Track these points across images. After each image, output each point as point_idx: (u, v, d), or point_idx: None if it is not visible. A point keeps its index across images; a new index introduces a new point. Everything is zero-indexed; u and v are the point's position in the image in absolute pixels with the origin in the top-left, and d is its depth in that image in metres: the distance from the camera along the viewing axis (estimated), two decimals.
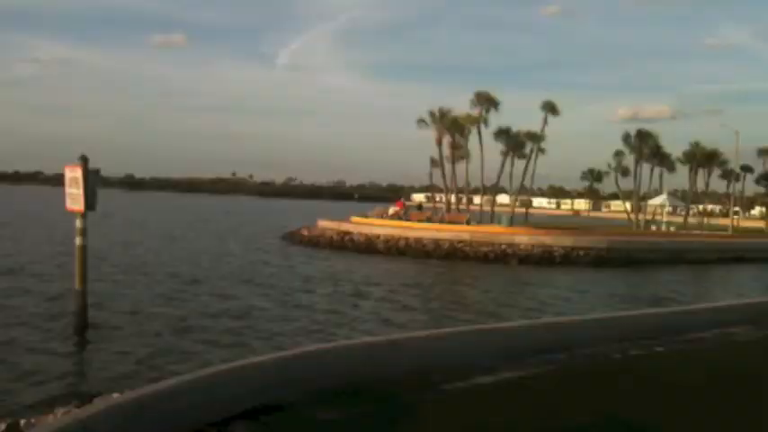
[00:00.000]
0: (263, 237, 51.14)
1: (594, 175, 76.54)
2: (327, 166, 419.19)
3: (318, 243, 44.68)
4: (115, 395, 6.15)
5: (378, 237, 43.14)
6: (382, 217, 50.34)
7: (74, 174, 15.63)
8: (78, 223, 15.84)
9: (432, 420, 5.48)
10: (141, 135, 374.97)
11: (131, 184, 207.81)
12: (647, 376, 7.17)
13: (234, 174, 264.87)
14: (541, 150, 58.61)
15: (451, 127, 52.99)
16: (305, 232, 48.40)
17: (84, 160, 15.42)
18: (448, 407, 5.86)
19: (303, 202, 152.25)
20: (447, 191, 56.18)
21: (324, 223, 49.46)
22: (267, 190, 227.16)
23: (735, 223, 71.10)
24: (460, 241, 41.19)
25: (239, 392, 5.73)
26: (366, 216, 50.96)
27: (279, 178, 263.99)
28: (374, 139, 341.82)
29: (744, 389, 6.83)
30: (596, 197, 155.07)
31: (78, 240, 15.88)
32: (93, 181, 15.56)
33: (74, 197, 15.71)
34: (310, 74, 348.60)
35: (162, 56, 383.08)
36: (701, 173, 71.30)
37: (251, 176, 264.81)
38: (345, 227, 46.76)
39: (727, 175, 75.06)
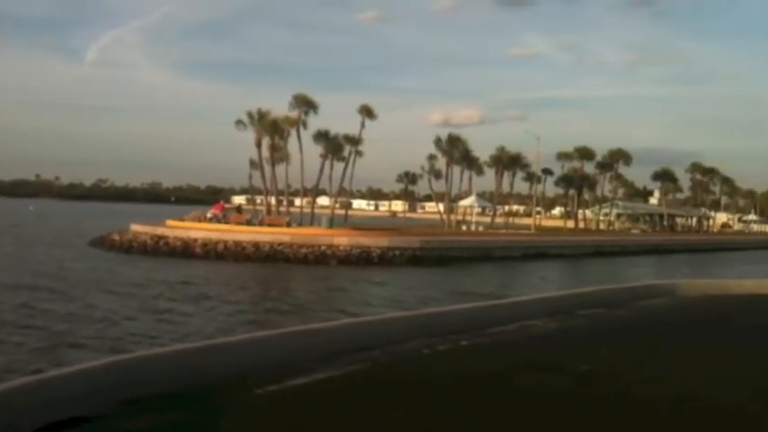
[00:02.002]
0: (70, 242, 48.00)
1: (409, 178, 79.28)
2: (141, 166, 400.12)
3: (131, 248, 42.72)
4: None
5: (195, 240, 41.99)
6: (200, 220, 49.08)
7: None
8: None
9: (238, 426, 5.44)
10: None
11: None
12: (453, 368, 7.52)
13: (38, 176, 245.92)
14: (359, 153, 59.74)
15: (270, 129, 52.71)
16: (116, 237, 46.02)
17: None
18: (257, 411, 5.84)
19: (115, 205, 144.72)
20: (267, 193, 55.80)
21: (137, 227, 47.30)
22: (75, 192, 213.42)
23: (537, 222, 76.42)
24: (281, 243, 41.10)
25: (41, 407, 5.38)
26: (183, 219, 49.44)
27: (88, 180, 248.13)
28: (192, 140, 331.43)
29: (544, 373, 7.34)
30: (412, 199, 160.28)
31: None
32: None
33: None
34: (121, 71, 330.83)
35: None
36: (507, 175, 76.07)
37: (57, 178, 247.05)
38: (160, 231, 45.04)
39: (530, 177, 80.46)
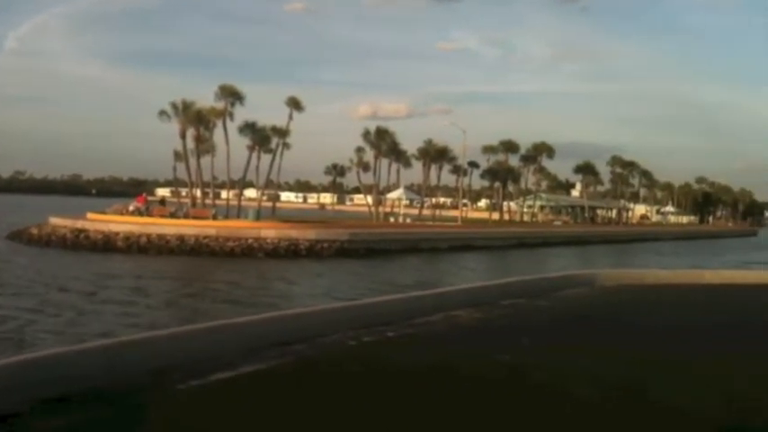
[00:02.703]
0: None
1: (338, 170, 79.12)
2: (61, 158, 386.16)
3: (50, 242, 41.35)
4: None
5: (117, 234, 40.94)
6: (122, 213, 47.84)
7: None
8: None
9: (159, 421, 5.37)
10: None
11: None
12: (379, 360, 7.59)
13: None
14: (287, 145, 59.24)
15: (195, 120, 51.76)
16: (34, 231, 44.43)
17: None
18: (178, 406, 5.77)
19: (34, 198, 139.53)
20: (192, 185, 54.82)
21: (56, 220, 45.76)
22: None
23: (463, 215, 77.51)
24: (206, 237, 40.50)
25: None
26: (104, 212, 48.12)
27: (5, 172, 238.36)
28: (114, 131, 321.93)
29: (468, 363, 7.48)
30: (341, 191, 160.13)
31: None
32: None
33: None
34: (42, 59, 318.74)
35: None
36: (434, 168, 76.92)
37: None
38: (81, 224, 43.72)
39: (457, 170, 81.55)
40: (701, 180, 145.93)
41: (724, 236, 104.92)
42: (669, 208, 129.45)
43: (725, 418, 5.74)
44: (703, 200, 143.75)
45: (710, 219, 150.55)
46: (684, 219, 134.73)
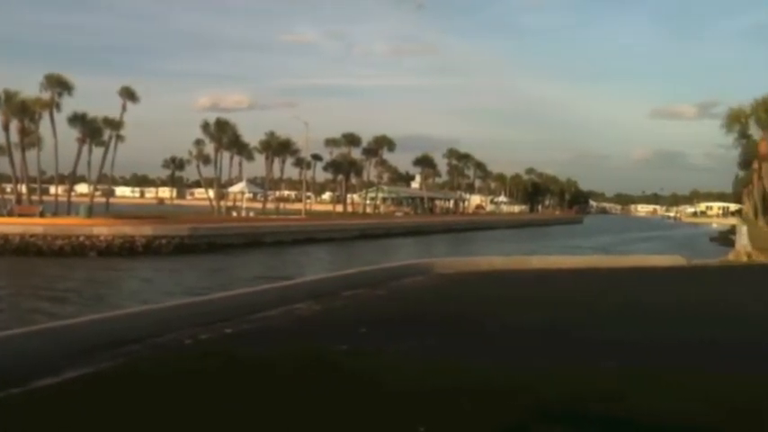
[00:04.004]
0: None
1: (176, 164, 76.88)
2: None
3: None
4: None
5: None
6: None
7: None
8: None
9: None
10: None
11: None
12: (216, 357, 7.45)
13: None
14: (121, 138, 56.48)
15: (19, 111, 48.26)
16: None
17: None
18: None
19: None
20: (17, 181, 51.12)
21: None
22: None
23: (308, 207, 77.57)
24: (33, 235, 37.91)
25: None
26: None
27: None
28: None
29: (308, 355, 7.52)
30: (180, 185, 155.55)
31: None
32: None
33: None
34: None
35: None
36: (277, 161, 76.45)
37: None
38: None
39: (300, 163, 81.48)
40: (530, 171, 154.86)
41: (552, 223, 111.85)
42: (502, 198, 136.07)
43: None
44: (533, 190, 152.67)
45: (540, 208, 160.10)
46: (516, 208, 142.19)
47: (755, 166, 39.13)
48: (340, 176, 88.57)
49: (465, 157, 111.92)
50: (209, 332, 8.81)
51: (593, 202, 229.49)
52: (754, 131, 28.36)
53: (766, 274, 20.70)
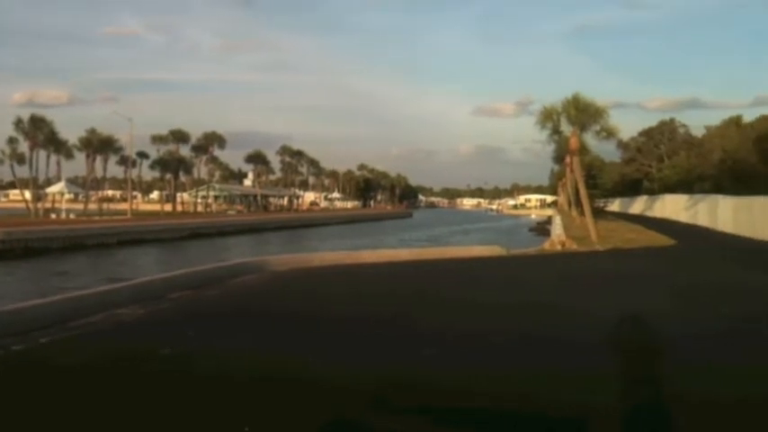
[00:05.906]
0: None
1: None
2: None
3: None
4: None
5: None
6: None
7: None
8: None
9: None
10: None
11: None
12: (28, 369, 7.08)
13: None
14: None
15: None
16: None
17: None
18: None
19: None
20: None
21: None
22: None
23: (134, 207, 74.32)
24: None
25: None
26: None
27: None
28: None
29: (130, 361, 7.28)
30: None
31: None
32: None
33: None
34: None
35: None
36: (100, 159, 72.55)
37: None
38: None
39: (125, 161, 77.78)
40: (362, 167, 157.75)
41: (384, 218, 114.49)
42: (336, 194, 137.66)
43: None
44: (365, 185, 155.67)
45: (372, 203, 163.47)
46: (349, 204, 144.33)
47: (567, 160, 42.09)
48: (168, 175, 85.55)
49: (298, 154, 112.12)
50: (21, 343, 8.32)
51: (422, 197, 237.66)
52: (566, 128, 30.44)
53: (573, 259, 22.43)
